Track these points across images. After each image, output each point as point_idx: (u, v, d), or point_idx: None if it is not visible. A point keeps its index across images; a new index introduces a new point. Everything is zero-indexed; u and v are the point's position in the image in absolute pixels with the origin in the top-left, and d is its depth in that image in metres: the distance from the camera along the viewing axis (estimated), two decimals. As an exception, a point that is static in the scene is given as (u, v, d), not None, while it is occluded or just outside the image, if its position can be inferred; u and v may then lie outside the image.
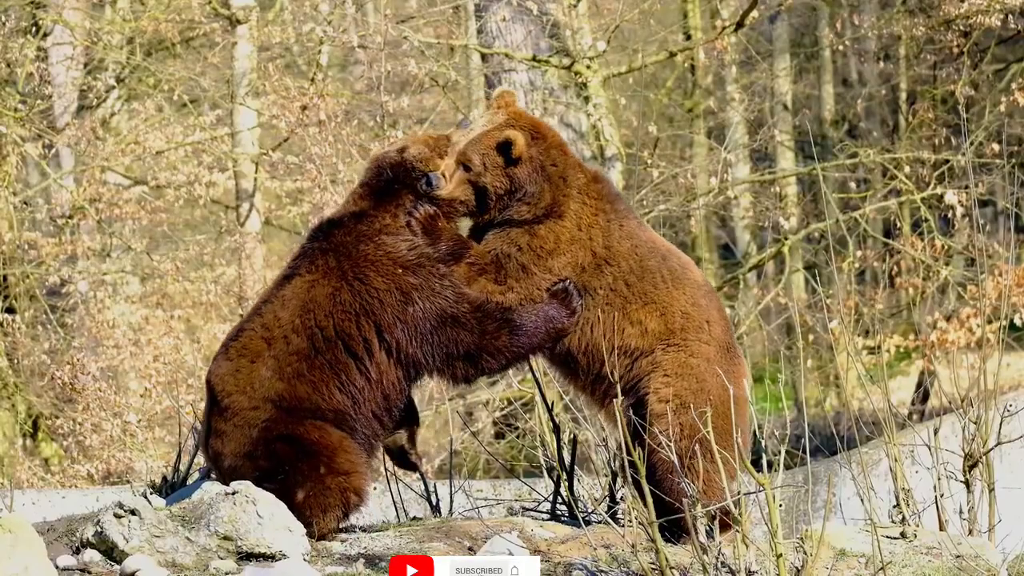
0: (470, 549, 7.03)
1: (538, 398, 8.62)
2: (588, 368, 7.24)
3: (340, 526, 7.15)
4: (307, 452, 7.00)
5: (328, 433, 7.05)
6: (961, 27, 21.03)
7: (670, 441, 6.84)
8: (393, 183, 7.28)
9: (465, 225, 7.48)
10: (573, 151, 7.53)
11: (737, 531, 6.27)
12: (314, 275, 7.14)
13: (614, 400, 6.77)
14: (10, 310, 20.73)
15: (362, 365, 7.09)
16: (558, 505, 8.21)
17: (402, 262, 7.11)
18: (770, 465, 6.27)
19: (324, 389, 7.06)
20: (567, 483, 8.05)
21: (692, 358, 7.14)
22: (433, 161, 7.28)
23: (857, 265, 20.28)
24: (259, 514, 6.71)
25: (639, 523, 6.49)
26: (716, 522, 6.55)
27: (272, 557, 6.67)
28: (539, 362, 8.09)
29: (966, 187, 18.81)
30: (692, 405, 6.94)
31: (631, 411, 7.10)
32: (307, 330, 7.06)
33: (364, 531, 7.47)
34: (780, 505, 6.26)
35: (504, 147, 7.16)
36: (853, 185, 23.57)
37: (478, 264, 7.19)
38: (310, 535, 6.91)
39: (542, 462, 9.01)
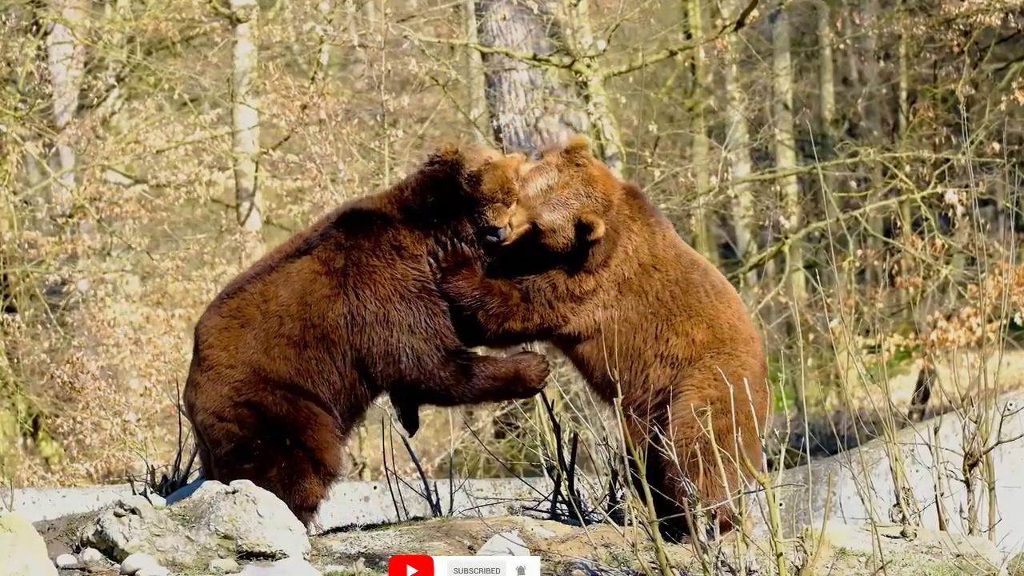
0: (470, 548, 7.03)
1: (538, 397, 8.62)
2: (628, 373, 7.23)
3: (322, 494, 7.16)
4: (272, 425, 7.04)
5: (298, 407, 7.08)
6: (961, 26, 21.02)
7: (693, 440, 6.87)
8: (437, 212, 7.14)
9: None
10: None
11: (737, 530, 6.27)
12: (322, 267, 7.14)
13: (615, 399, 6.78)
14: (10, 309, 20.72)
15: (340, 371, 7.10)
16: (558, 504, 8.21)
17: (402, 290, 7.10)
18: (770, 464, 6.27)
19: (307, 378, 7.11)
20: (567, 482, 8.04)
21: (742, 368, 7.16)
22: (501, 211, 7.17)
23: (857, 264, 20.25)
24: (259, 513, 6.71)
25: (639, 522, 6.49)
26: (716, 522, 6.55)
27: (272, 556, 6.67)
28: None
29: (966, 186, 18.80)
30: (733, 412, 6.92)
31: (669, 415, 7.11)
32: (302, 320, 7.08)
33: (364, 530, 7.47)
34: (780, 504, 6.26)
35: (584, 229, 7.14)
36: (853, 184, 23.55)
37: (501, 312, 7.19)
38: (293, 508, 6.91)
39: (542, 461, 9.01)
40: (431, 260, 7.12)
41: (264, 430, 7.03)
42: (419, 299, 7.10)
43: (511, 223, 7.15)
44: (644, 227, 7.33)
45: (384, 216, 7.19)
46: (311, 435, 7.05)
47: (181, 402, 9.13)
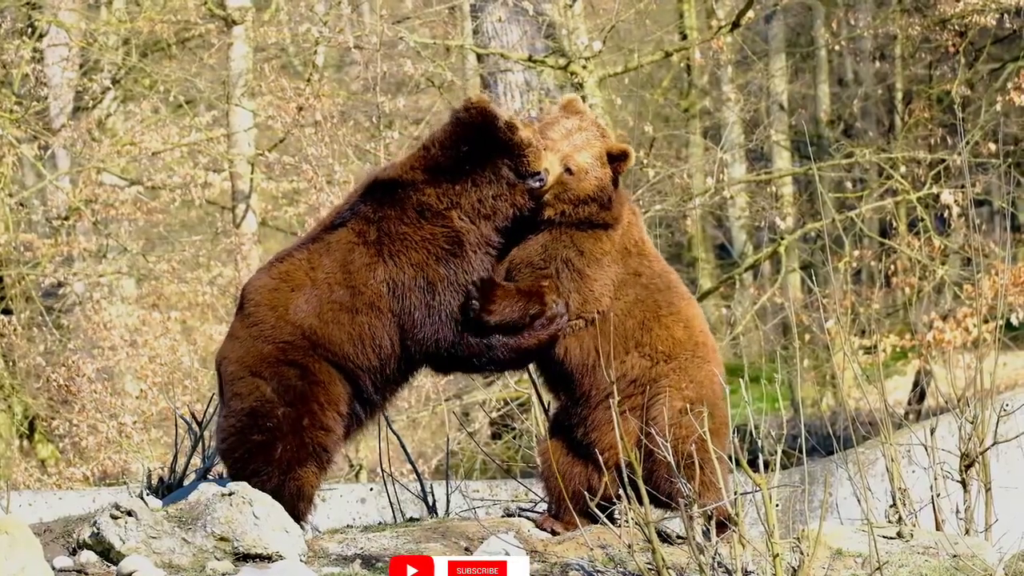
0: (467, 549, 7.03)
1: (534, 398, 8.62)
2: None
3: (317, 484, 7.16)
4: (304, 393, 7.06)
5: (335, 382, 7.12)
6: (957, 26, 21.02)
7: (682, 440, 6.87)
8: (471, 160, 7.12)
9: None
10: None
11: (734, 531, 6.27)
12: (357, 239, 7.18)
13: (610, 398, 6.78)
14: (6, 311, 20.72)
15: (390, 336, 7.14)
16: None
17: (436, 251, 7.13)
18: (767, 465, 6.27)
19: (359, 344, 7.13)
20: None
21: (713, 372, 7.18)
22: (540, 155, 7.12)
23: (853, 265, 20.26)
24: (255, 515, 6.71)
25: (636, 523, 6.49)
26: (712, 522, 6.55)
27: (269, 558, 6.67)
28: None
29: (962, 186, 18.82)
30: (712, 413, 6.94)
31: (647, 411, 7.11)
32: (349, 288, 7.13)
33: (361, 532, 7.47)
34: (777, 505, 6.26)
35: (619, 158, 7.16)
36: (849, 185, 23.55)
37: (533, 290, 7.17)
38: (288, 496, 6.93)
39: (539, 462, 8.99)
40: (460, 209, 7.13)
41: (293, 398, 7.03)
42: (453, 255, 7.12)
43: (547, 169, 7.13)
44: (632, 214, 7.37)
45: (406, 182, 7.20)
46: (332, 416, 7.08)
47: (177, 405, 9.13)
